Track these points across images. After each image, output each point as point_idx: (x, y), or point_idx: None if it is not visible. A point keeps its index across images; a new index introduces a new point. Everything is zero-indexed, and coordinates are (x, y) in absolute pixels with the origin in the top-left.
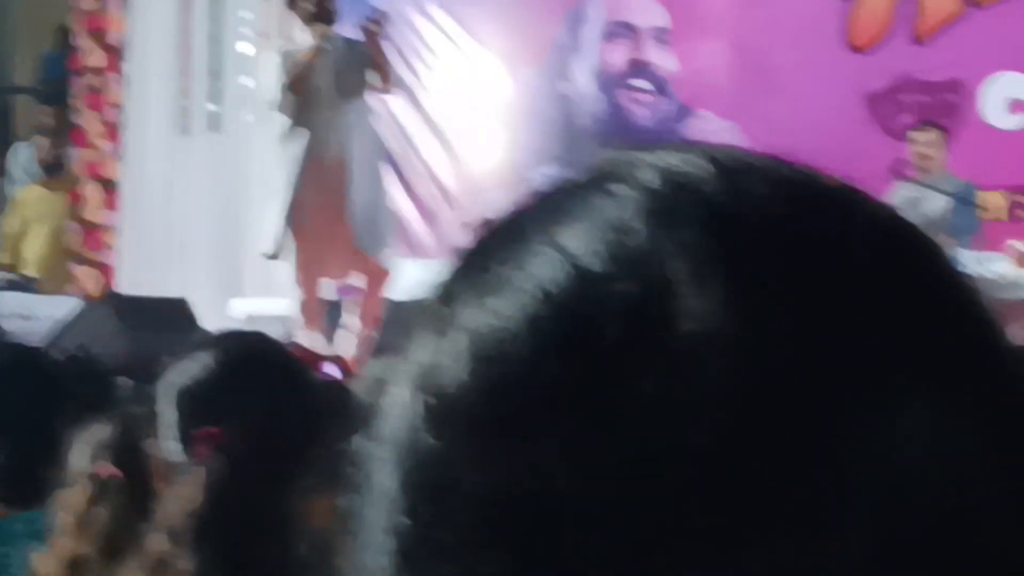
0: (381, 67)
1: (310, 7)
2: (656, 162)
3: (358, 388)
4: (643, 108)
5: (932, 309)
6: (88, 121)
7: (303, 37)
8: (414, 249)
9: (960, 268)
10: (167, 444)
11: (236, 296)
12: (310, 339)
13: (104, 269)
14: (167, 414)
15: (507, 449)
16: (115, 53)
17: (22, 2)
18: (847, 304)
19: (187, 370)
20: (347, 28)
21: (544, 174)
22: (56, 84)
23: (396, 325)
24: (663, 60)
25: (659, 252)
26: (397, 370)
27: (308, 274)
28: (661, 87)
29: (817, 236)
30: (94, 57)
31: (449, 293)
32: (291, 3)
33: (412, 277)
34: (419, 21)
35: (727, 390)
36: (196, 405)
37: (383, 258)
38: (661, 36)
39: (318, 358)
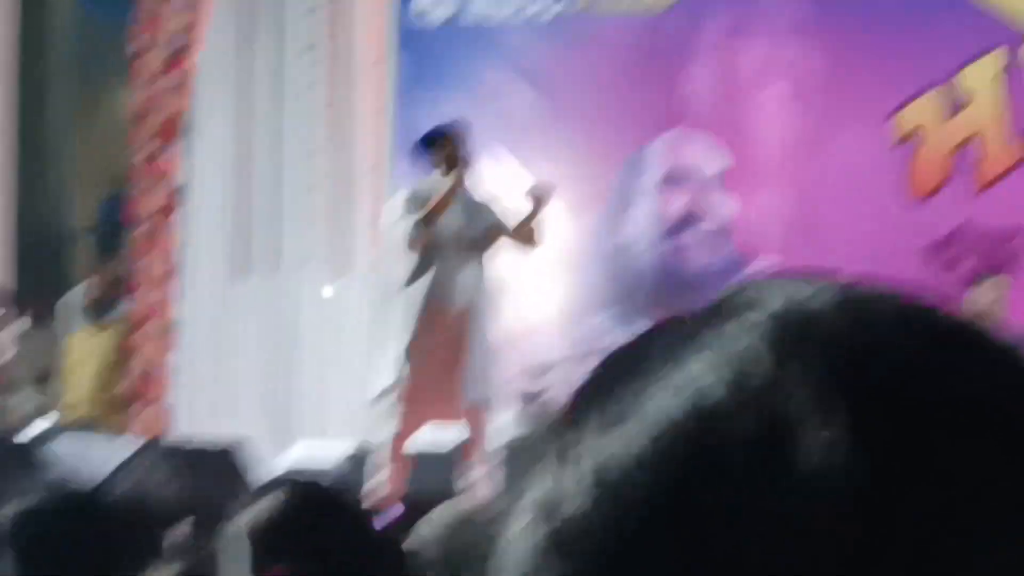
0: (531, 228)
1: (449, 151)
2: (785, 291)
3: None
4: (701, 255)
5: None
6: (145, 264)
7: (437, 179)
8: None
9: None
10: None
11: (287, 438)
12: (389, 479)
13: (161, 412)
14: (235, 555)
15: None
16: (173, 196)
17: (81, 146)
18: (974, 447)
19: (254, 513)
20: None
21: (602, 320)
22: (112, 227)
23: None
24: (722, 206)
25: (784, 383)
26: (518, 503)
27: (410, 416)
28: (720, 234)
29: (944, 373)
30: (152, 200)
31: (575, 420)
32: (426, 145)
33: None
34: (484, 160)
35: (846, 527)
36: (265, 545)
37: (489, 409)
38: (720, 181)
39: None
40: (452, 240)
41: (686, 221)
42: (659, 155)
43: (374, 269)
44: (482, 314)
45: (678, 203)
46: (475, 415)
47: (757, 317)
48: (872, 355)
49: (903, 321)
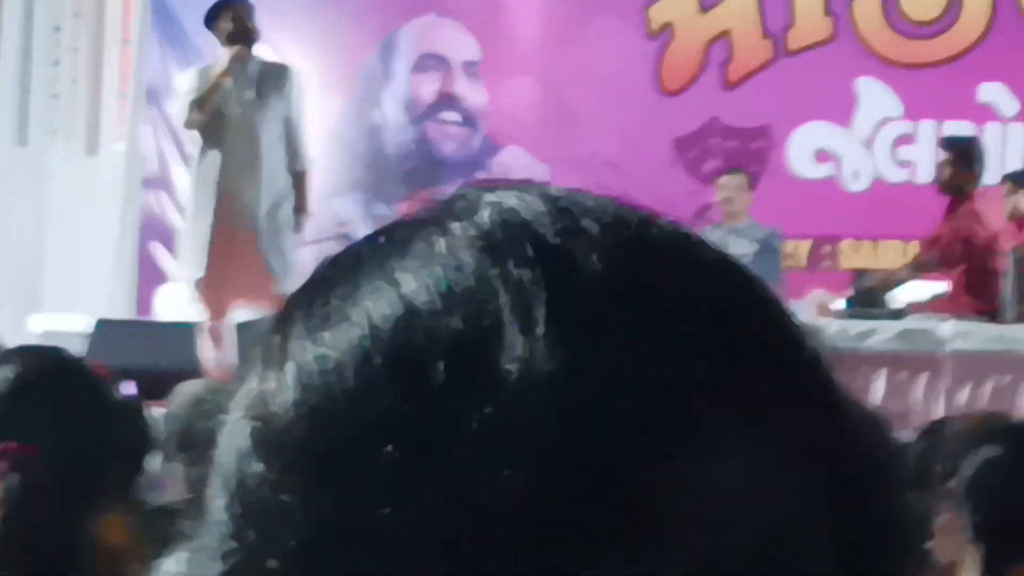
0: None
1: (228, 26)
2: (493, 201)
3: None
4: (451, 140)
5: (762, 354)
6: None
7: (223, 55)
8: None
9: (793, 316)
10: None
11: (34, 312)
12: (216, 360)
13: None
14: None
15: (330, 479)
16: None
17: None
18: (674, 345)
19: None
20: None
21: (351, 202)
22: None
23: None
24: (473, 93)
25: (487, 289)
26: (231, 396)
27: (217, 297)
28: (470, 120)
29: (645, 276)
30: None
31: (284, 322)
32: (209, 22)
33: None
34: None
35: (547, 428)
36: None
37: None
38: (471, 69)
39: (115, 375)
40: (238, 116)
41: (436, 107)
42: (411, 39)
43: (125, 144)
44: (274, 188)
45: (429, 88)
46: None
47: (465, 226)
48: (574, 261)
49: (608, 228)
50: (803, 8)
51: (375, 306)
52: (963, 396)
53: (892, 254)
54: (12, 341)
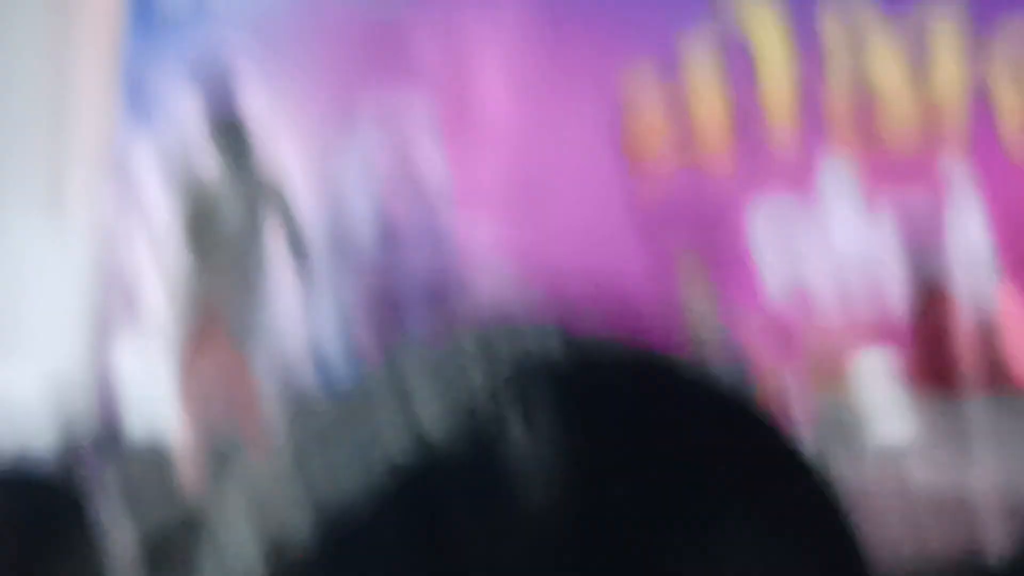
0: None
1: (224, 142)
2: (509, 337)
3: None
4: (414, 215)
5: (776, 501)
6: None
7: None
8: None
9: (802, 454)
10: None
11: None
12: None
13: None
14: None
15: None
16: None
17: None
18: (688, 487)
19: None
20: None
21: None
22: None
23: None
24: (438, 166)
25: (504, 428)
26: (240, 503)
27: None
28: (434, 194)
29: (659, 418)
30: None
31: (299, 442)
32: (212, 132)
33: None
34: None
35: (564, 568)
36: None
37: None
38: (437, 141)
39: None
40: (224, 241)
41: (400, 179)
42: (375, 112)
43: (90, 211)
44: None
45: (392, 160)
46: (237, 360)
47: (482, 363)
48: (591, 404)
49: (625, 371)
50: (771, 88)
51: (391, 438)
52: None
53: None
54: None
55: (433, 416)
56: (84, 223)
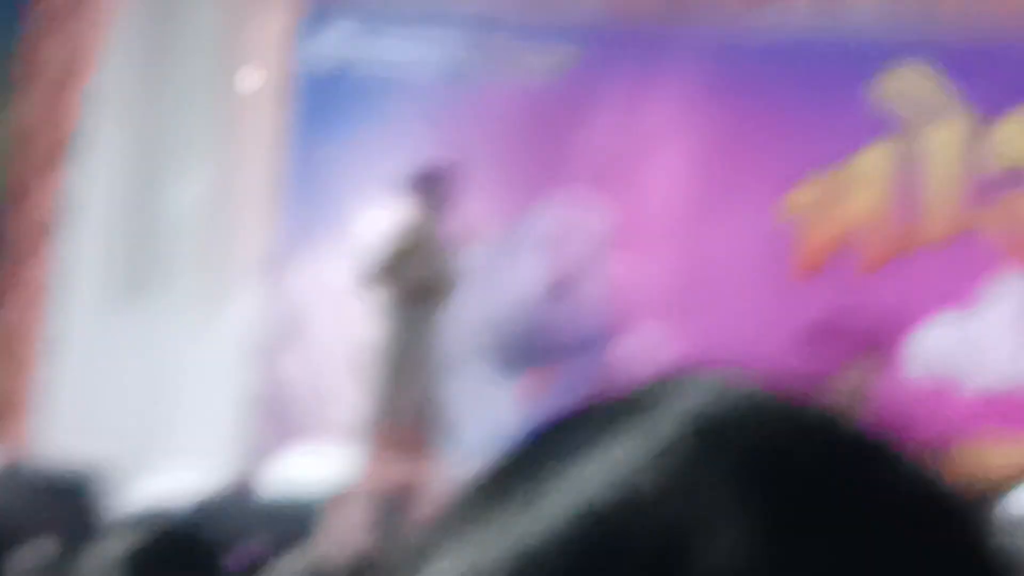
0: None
1: (422, 195)
2: (697, 394)
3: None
4: (580, 318)
5: (957, 567)
6: (19, 281)
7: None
8: (330, 441)
9: (988, 527)
10: None
11: (151, 467)
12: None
13: (24, 431)
14: None
15: None
16: (54, 215)
17: None
18: (880, 559)
19: (107, 551)
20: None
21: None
22: None
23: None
24: (604, 271)
25: (691, 489)
26: (435, 566)
27: (375, 465)
28: (600, 299)
29: (851, 488)
30: (33, 217)
31: (492, 496)
32: (415, 186)
33: (324, 471)
34: (364, 212)
35: None
36: None
37: (436, 456)
38: (605, 246)
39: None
40: (414, 291)
41: (567, 283)
42: (546, 215)
43: (255, 304)
44: (439, 368)
45: (560, 264)
46: (418, 467)
47: (669, 419)
48: (782, 465)
49: (814, 431)
50: (935, 203)
51: (588, 486)
52: None
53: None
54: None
55: (618, 476)
56: (242, 328)
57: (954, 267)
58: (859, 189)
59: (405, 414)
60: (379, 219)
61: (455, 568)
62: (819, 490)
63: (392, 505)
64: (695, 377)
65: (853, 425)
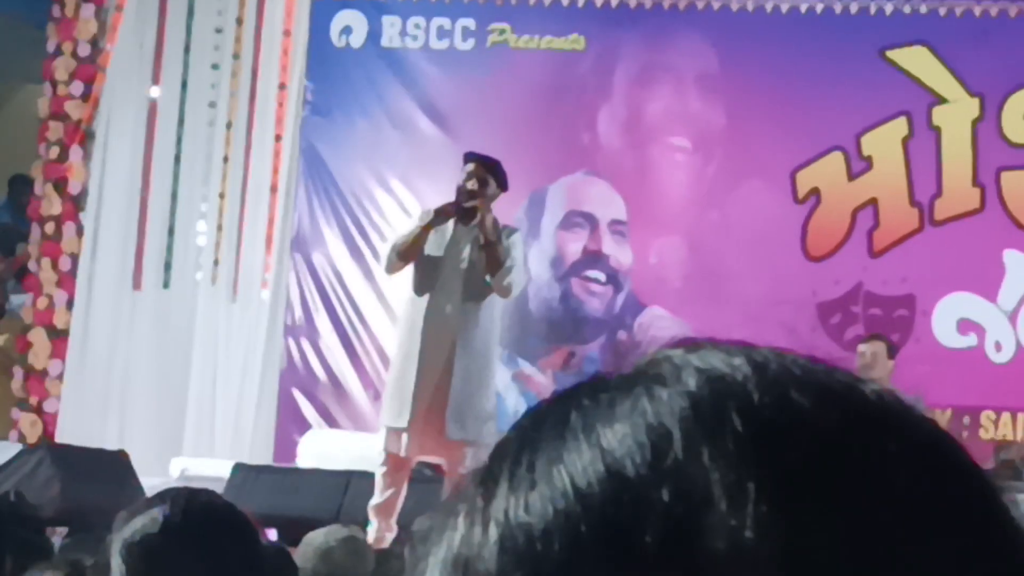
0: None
1: (461, 177)
2: (700, 367)
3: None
4: (595, 298)
5: (973, 533)
6: (42, 268)
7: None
8: (355, 421)
9: (1001, 492)
10: None
11: (175, 454)
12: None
13: (45, 416)
14: (118, 567)
15: None
16: (73, 203)
17: None
18: (890, 524)
19: (139, 525)
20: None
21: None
22: (4, 230)
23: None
24: (619, 252)
25: (696, 461)
26: (430, 549)
27: (414, 445)
28: (614, 278)
29: (857, 451)
30: (52, 205)
31: (488, 480)
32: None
33: (351, 450)
34: (378, 193)
35: None
36: (147, 560)
37: (468, 446)
38: (618, 228)
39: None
40: (446, 276)
41: (582, 264)
42: (560, 197)
43: (269, 291)
44: (470, 355)
45: (575, 246)
46: (455, 450)
47: (672, 393)
48: (787, 435)
49: (818, 398)
50: (951, 178)
51: (582, 473)
52: None
53: None
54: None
55: (619, 451)
56: (270, 309)
57: (972, 242)
58: (874, 166)
59: (436, 397)
60: (402, 199)
61: (449, 557)
62: (835, 455)
63: (423, 490)
64: (693, 351)
65: (873, 391)
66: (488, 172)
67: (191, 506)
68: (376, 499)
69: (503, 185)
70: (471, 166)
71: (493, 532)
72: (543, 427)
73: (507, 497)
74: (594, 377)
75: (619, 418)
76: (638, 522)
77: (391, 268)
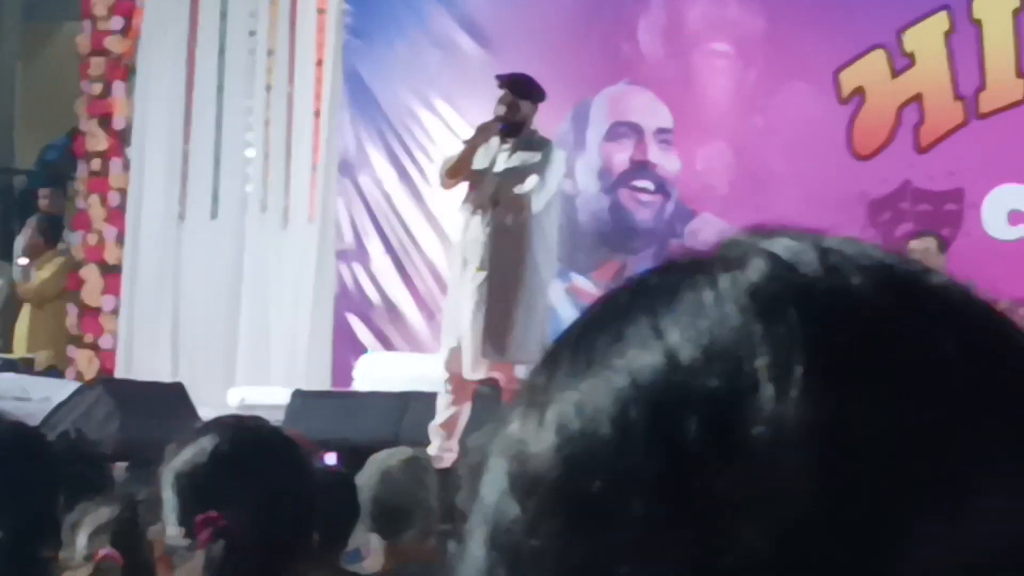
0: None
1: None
2: (764, 252)
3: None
4: (644, 208)
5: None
6: (91, 205)
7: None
8: (411, 343)
9: None
10: (168, 528)
11: (231, 384)
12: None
13: (101, 352)
14: (169, 498)
15: (580, 528)
16: (118, 138)
17: (27, 85)
18: (938, 407)
19: (188, 455)
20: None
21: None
22: (56, 167)
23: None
24: (665, 161)
25: (747, 348)
26: (495, 440)
27: (458, 363)
28: (663, 187)
29: (913, 339)
30: (98, 141)
31: (550, 364)
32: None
33: (408, 371)
34: (423, 114)
35: (796, 493)
36: (197, 490)
37: (515, 364)
38: (664, 137)
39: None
40: (484, 196)
41: (629, 174)
42: (604, 108)
43: (318, 216)
44: (508, 273)
45: (621, 156)
46: (505, 370)
47: (733, 279)
48: (842, 319)
49: (879, 284)
50: (995, 71)
51: (638, 357)
52: None
53: None
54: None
55: (677, 339)
56: (320, 235)
57: (1018, 133)
58: (916, 62)
59: (493, 313)
60: (447, 117)
61: (507, 442)
62: (889, 339)
63: (483, 409)
64: (754, 238)
65: (938, 281)
66: (517, 94)
67: (239, 434)
68: (439, 418)
69: (538, 98)
70: (501, 93)
71: (550, 413)
72: (606, 311)
73: (565, 380)
74: (665, 261)
75: (679, 304)
76: (684, 409)
77: (444, 186)
